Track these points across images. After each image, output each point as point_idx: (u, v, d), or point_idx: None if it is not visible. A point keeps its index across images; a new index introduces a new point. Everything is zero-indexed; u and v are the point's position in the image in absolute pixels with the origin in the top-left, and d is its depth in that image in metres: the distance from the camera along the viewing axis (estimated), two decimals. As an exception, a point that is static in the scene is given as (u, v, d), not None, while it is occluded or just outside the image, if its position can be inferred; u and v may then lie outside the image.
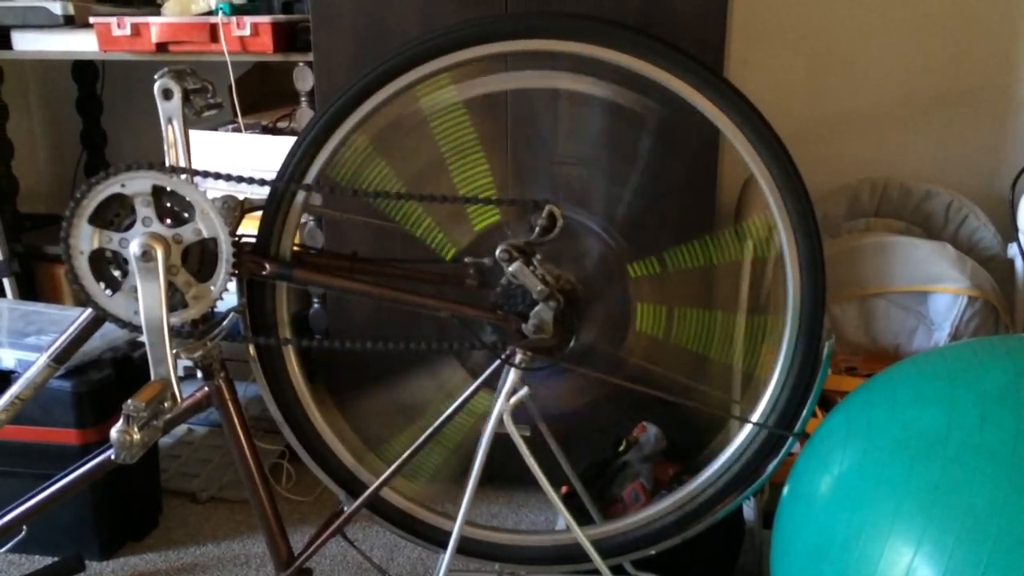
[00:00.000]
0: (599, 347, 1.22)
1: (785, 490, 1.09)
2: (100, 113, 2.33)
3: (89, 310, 1.14)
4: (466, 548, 1.25)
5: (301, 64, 1.71)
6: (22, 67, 2.35)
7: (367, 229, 1.56)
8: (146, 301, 1.06)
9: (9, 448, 1.50)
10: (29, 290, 2.11)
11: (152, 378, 1.06)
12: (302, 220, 1.15)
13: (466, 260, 1.18)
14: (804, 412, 1.15)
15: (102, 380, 1.51)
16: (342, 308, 1.73)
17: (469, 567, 1.33)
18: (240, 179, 1.10)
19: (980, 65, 1.90)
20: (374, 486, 1.21)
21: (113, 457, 1.01)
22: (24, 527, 1.27)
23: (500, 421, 1.14)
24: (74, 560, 1.51)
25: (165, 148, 1.11)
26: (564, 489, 1.36)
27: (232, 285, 1.13)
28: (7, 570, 1.53)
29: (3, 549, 1.32)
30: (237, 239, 1.12)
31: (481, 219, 1.20)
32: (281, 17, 1.75)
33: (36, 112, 2.43)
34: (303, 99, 1.74)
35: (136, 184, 1.07)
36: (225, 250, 1.09)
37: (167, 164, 1.10)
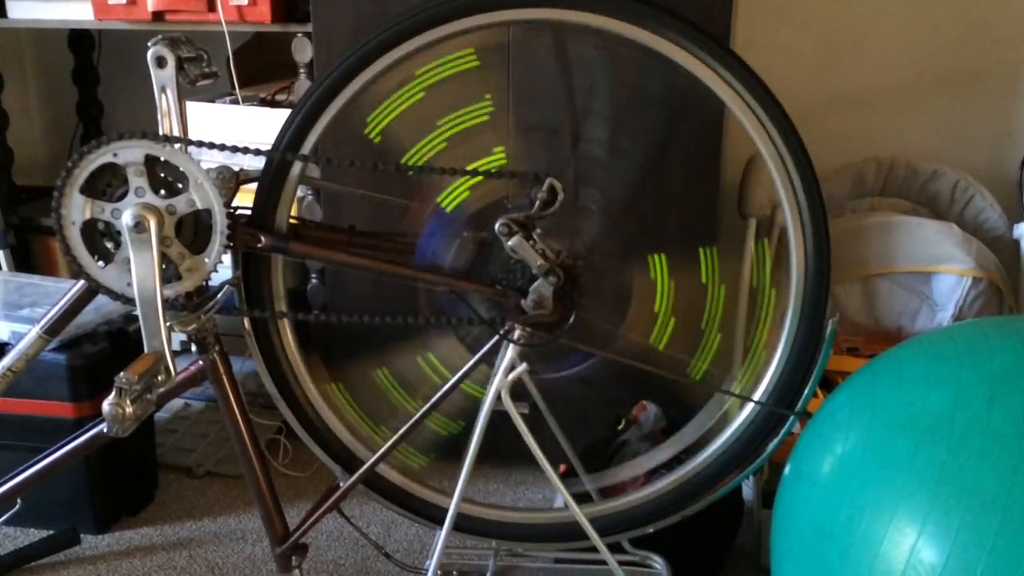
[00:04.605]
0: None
1: (787, 469, 1.08)
2: (96, 84, 2.30)
3: (82, 282, 1.12)
4: (463, 525, 1.24)
5: (300, 35, 1.68)
6: (17, 36, 2.32)
7: (367, 203, 1.54)
8: (139, 273, 1.05)
9: (4, 421, 1.49)
10: (24, 262, 2.10)
11: (145, 351, 1.05)
12: (300, 194, 1.13)
13: (465, 235, 1.16)
14: (806, 391, 1.13)
15: (97, 353, 1.50)
16: (340, 283, 1.71)
17: (466, 544, 1.32)
18: (235, 149, 1.08)
19: (989, 45, 1.88)
20: (370, 462, 1.20)
21: (106, 430, 1.00)
22: (19, 500, 1.27)
23: (498, 398, 1.13)
24: (69, 534, 1.51)
25: (159, 117, 1.09)
26: (562, 468, 1.35)
27: (227, 257, 1.12)
28: (2, 543, 1.52)
29: (-2, 522, 1.31)
30: (232, 211, 1.10)
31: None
32: (279, -14, 1.72)
33: (32, 83, 2.40)
34: (302, 71, 1.71)
35: (129, 153, 1.05)
36: (219, 222, 1.07)
37: (160, 133, 1.08)
